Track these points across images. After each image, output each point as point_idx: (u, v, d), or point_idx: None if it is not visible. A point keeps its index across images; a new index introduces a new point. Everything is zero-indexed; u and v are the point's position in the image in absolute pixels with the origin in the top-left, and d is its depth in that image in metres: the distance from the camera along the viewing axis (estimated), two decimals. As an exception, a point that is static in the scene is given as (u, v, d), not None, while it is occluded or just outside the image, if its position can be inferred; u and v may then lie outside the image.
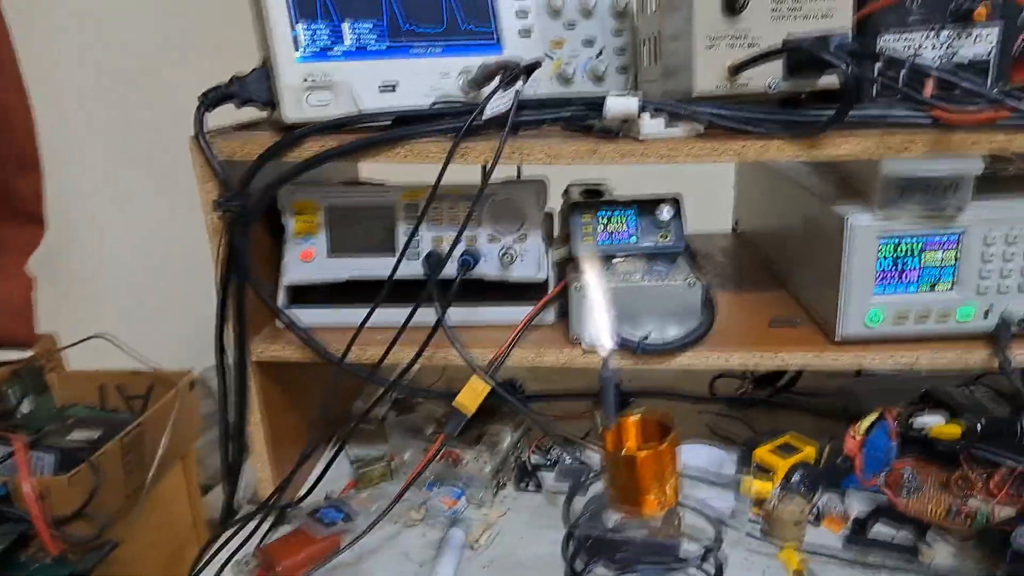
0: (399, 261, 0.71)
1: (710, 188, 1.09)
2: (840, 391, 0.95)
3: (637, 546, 0.46)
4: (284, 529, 0.76)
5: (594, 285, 0.64)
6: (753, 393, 0.99)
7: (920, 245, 0.67)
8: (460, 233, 0.68)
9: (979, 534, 0.71)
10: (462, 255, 0.74)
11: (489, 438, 0.83)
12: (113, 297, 1.60)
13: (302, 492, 0.80)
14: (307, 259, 0.77)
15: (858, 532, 0.74)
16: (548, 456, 0.90)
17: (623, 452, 0.44)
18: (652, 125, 0.65)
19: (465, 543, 0.74)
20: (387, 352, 0.70)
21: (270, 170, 0.69)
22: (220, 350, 0.74)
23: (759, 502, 0.47)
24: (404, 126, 0.68)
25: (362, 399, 1.00)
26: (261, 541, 0.74)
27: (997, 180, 0.72)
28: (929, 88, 0.62)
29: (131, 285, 1.65)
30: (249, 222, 0.70)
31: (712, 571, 0.48)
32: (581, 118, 0.68)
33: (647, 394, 0.98)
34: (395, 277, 0.73)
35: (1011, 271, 0.67)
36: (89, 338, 1.27)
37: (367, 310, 0.71)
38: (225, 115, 0.75)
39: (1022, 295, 0.68)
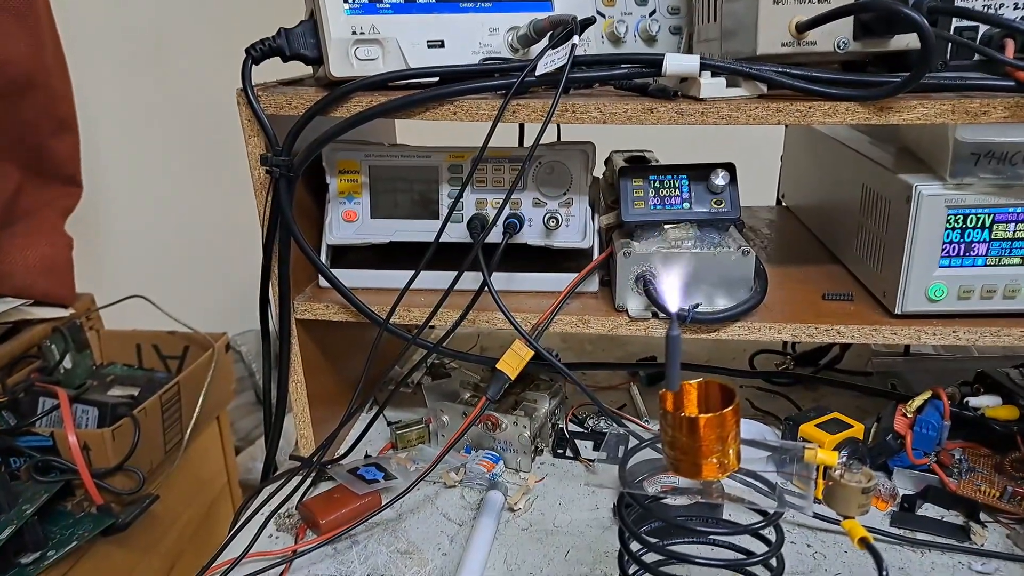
0: (445, 222, 0.70)
1: (753, 161, 1.06)
2: (887, 371, 0.93)
3: (693, 509, 0.45)
4: (324, 487, 0.76)
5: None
6: (795, 370, 0.97)
7: (990, 218, 0.64)
8: (509, 194, 0.67)
9: (1035, 518, 0.69)
10: (508, 218, 0.72)
11: (526, 405, 0.82)
12: (146, 260, 1.61)
13: (342, 451, 0.80)
14: (350, 220, 0.76)
15: (906, 511, 0.72)
16: (584, 426, 0.89)
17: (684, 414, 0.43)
18: (713, 85, 0.63)
19: (504, 505, 0.74)
20: (434, 312, 0.70)
21: (314, 128, 0.68)
22: (264, 307, 0.73)
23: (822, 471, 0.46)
24: (453, 83, 0.66)
25: (399, 364, 0.99)
26: (303, 497, 0.74)
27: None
28: (1011, 48, 0.59)
29: (165, 249, 1.66)
30: (295, 179, 0.69)
31: (773, 539, 0.46)
32: (637, 76, 0.66)
33: (685, 367, 0.96)
34: (438, 240, 0.72)
35: (1086, 247, 0.64)
36: (128, 298, 1.28)
37: (407, 273, 0.70)
38: (266, 73, 0.73)
39: (1096, 272, 0.65)
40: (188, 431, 1.16)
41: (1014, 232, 0.65)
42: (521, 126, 0.86)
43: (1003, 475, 0.74)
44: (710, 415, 0.44)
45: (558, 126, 0.84)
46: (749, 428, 0.78)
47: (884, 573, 0.42)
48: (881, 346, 0.95)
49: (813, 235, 0.92)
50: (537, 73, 0.64)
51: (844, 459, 0.45)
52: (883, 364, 0.92)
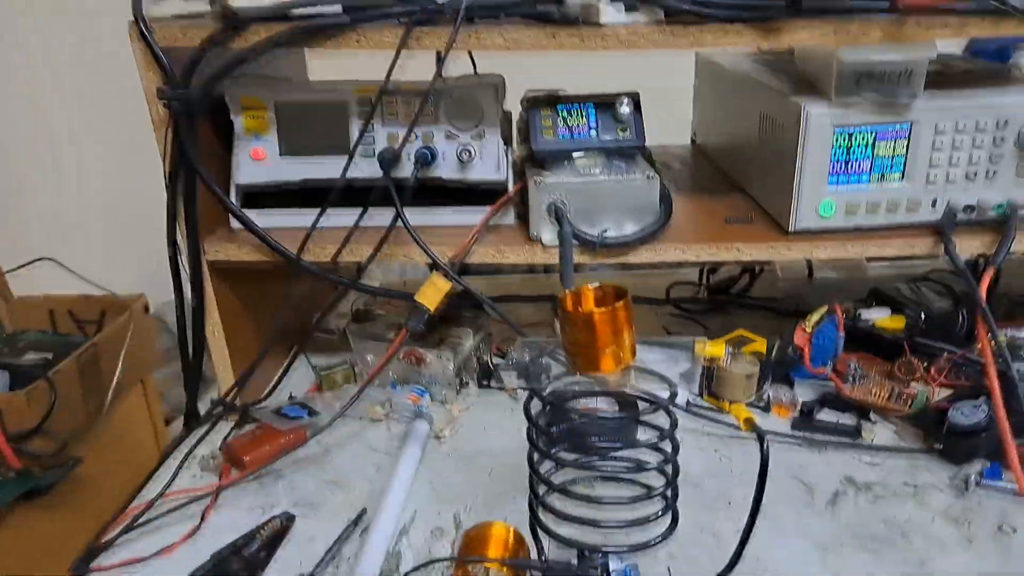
0: (351, 156, 0.70)
1: (668, 104, 1.09)
2: (792, 295, 0.99)
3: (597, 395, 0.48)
4: (250, 431, 0.76)
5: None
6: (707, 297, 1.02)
7: (872, 136, 0.69)
8: (413, 123, 0.67)
9: (918, 414, 0.75)
10: (419, 150, 0.73)
11: (451, 340, 0.84)
12: (57, 224, 1.54)
13: (265, 393, 0.80)
14: (258, 159, 0.75)
15: (805, 416, 0.78)
16: (508, 358, 0.92)
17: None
18: (613, 11, 0.65)
19: (430, 434, 0.76)
20: (344, 243, 0.70)
21: (215, 64, 0.66)
22: (173, 246, 0.72)
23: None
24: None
25: (324, 311, 0.99)
26: (226, 438, 0.74)
27: (947, 77, 0.74)
28: (885, -28, 0.62)
29: (82, 218, 1.59)
30: (195, 113, 0.68)
31: (667, 424, 0.50)
32: (540, 2, 0.67)
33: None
34: (351, 177, 0.72)
35: (959, 160, 0.69)
36: (35, 260, 1.23)
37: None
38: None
39: (969, 185, 0.70)
40: (110, 394, 1.13)
41: (894, 149, 0.69)
42: (438, 61, 0.86)
43: (892, 380, 0.80)
44: (604, 309, 0.47)
45: (473, 61, 0.84)
46: (662, 353, 0.82)
47: (765, 446, 0.45)
48: (786, 273, 1.01)
49: (721, 170, 0.96)
50: (440, 0, 0.64)
51: (731, 351, 0.48)
52: (786, 288, 0.97)
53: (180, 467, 0.69)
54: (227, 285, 0.78)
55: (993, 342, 0.65)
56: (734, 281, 1.03)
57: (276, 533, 0.63)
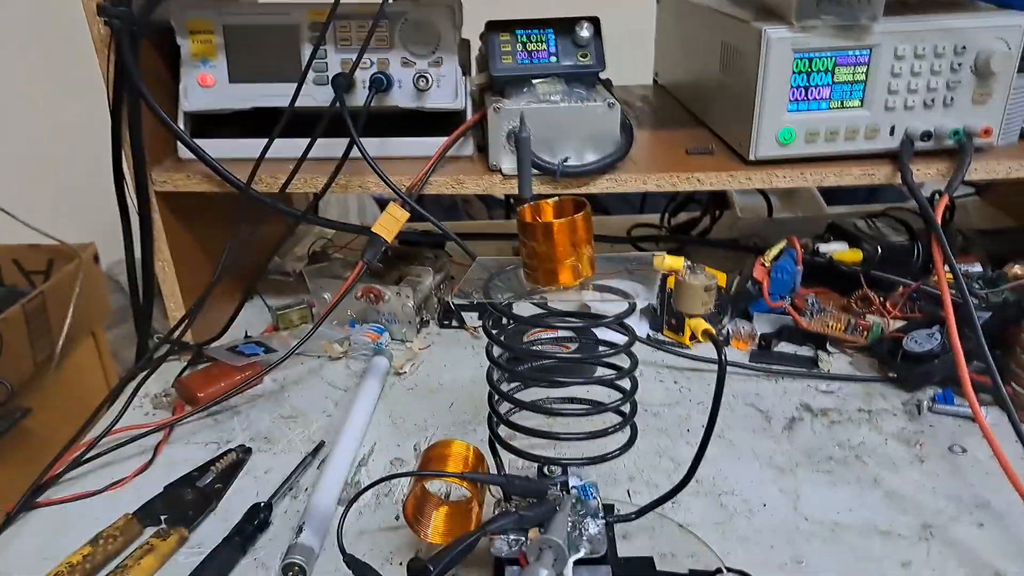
0: (302, 81, 0.67)
1: (630, 46, 1.08)
2: (751, 234, 0.99)
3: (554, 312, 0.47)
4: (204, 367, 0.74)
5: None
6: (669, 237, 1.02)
7: (832, 61, 0.68)
8: (365, 45, 0.65)
9: (873, 344, 0.77)
10: (373, 75, 0.70)
11: (410, 279, 0.82)
12: (8, 178, 1.47)
13: (218, 333, 0.78)
14: (207, 85, 0.72)
15: (763, 349, 0.79)
16: (469, 299, 0.90)
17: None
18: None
19: (389, 370, 0.75)
20: (294, 173, 0.68)
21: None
22: (118, 176, 0.69)
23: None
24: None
25: (279, 253, 0.97)
26: (179, 376, 0.72)
27: (907, 4, 0.74)
28: None
29: (26, 164, 1.52)
30: (139, 34, 0.64)
31: (625, 338, 0.49)
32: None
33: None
34: (305, 105, 0.69)
35: (917, 87, 0.69)
36: (-25, 207, 1.17)
37: (277, 142, 0.67)
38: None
39: (927, 112, 0.70)
40: (60, 343, 1.10)
41: (854, 75, 0.69)
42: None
43: (848, 312, 0.81)
44: (563, 220, 0.46)
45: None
46: (623, 285, 0.82)
47: (723, 357, 0.45)
48: (746, 212, 1.01)
49: (683, 106, 0.95)
50: (392, -88, 0.61)
51: (689, 263, 0.48)
52: (747, 226, 0.98)
53: (128, 403, 0.67)
54: (177, 220, 0.75)
55: (948, 267, 0.66)
56: (696, 222, 1.03)
57: (231, 465, 0.62)
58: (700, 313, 0.48)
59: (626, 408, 0.51)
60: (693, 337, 0.78)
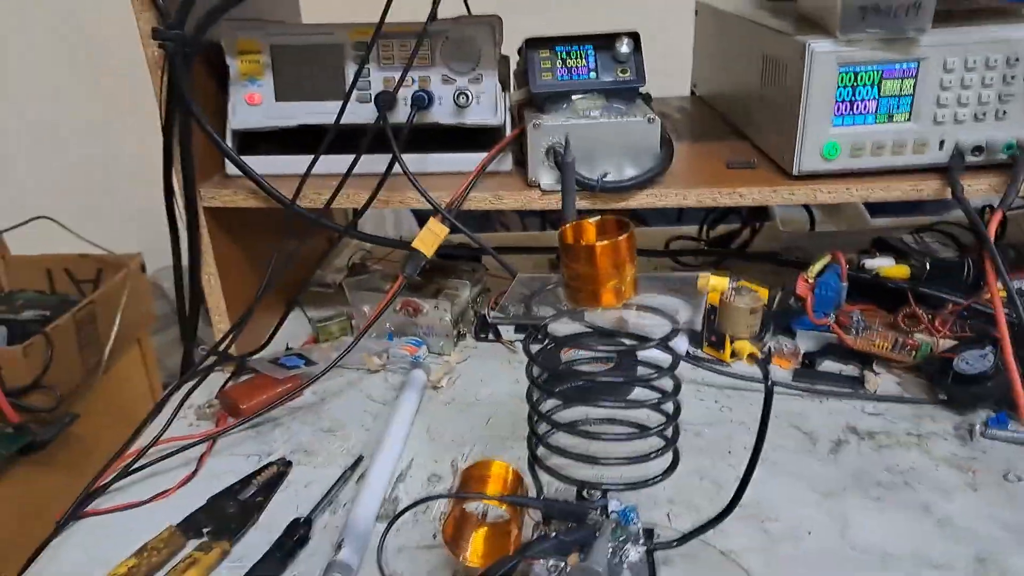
0: (347, 99, 0.68)
1: (668, 58, 1.07)
2: (793, 247, 0.97)
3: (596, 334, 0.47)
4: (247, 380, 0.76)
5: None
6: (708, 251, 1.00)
7: (879, 74, 0.67)
8: (409, 65, 0.66)
9: (923, 363, 0.74)
10: (415, 93, 0.71)
11: (448, 292, 0.83)
12: (51, 184, 1.52)
13: (261, 345, 0.80)
14: (253, 103, 0.74)
15: (807, 367, 0.77)
16: (506, 312, 0.90)
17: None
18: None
19: (427, 383, 0.75)
20: (338, 189, 0.69)
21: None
22: (168, 192, 0.71)
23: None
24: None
25: (321, 265, 0.98)
26: (222, 387, 0.73)
27: (956, 13, 0.72)
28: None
29: (77, 177, 1.58)
30: (191, 54, 0.66)
31: (670, 357, 0.49)
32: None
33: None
34: (348, 122, 0.70)
35: (968, 100, 0.67)
36: (32, 219, 1.22)
37: (322, 158, 0.69)
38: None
39: (977, 125, 0.68)
40: (107, 351, 1.13)
41: (901, 88, 0.67)
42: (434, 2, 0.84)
43: (895, 330, 0.79)
44: (606, 242, 0.45)
45: (467, 5, 0.82)
46: (664, 301, 0.81)
47: (769, 382, 0.44)
48: (788, 225, 0.99)
49: (722, 118, 0.94)
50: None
51: (734, 284, 0.47)
52: (787, 240, 0.96)
53: (174, 415, 0.69)
54: (224, 234, 0.77)
55: (1002, 284, 0.64)
56: (735, 235, 1.01)
57: (272, 478, 0.63)
58: (745, 335, 0.47)
59: (668, 432, 0.50)
60: (734, 354, 0.76)
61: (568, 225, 0.47)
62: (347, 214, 1.02)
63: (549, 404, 0.51)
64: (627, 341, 0.49)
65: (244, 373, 0.76)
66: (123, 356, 1.23)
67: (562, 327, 0.51)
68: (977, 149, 0.68)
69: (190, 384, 0.73)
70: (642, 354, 0.55)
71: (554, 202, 0.72)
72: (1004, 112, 0.68)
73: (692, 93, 1.07)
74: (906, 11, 0.64)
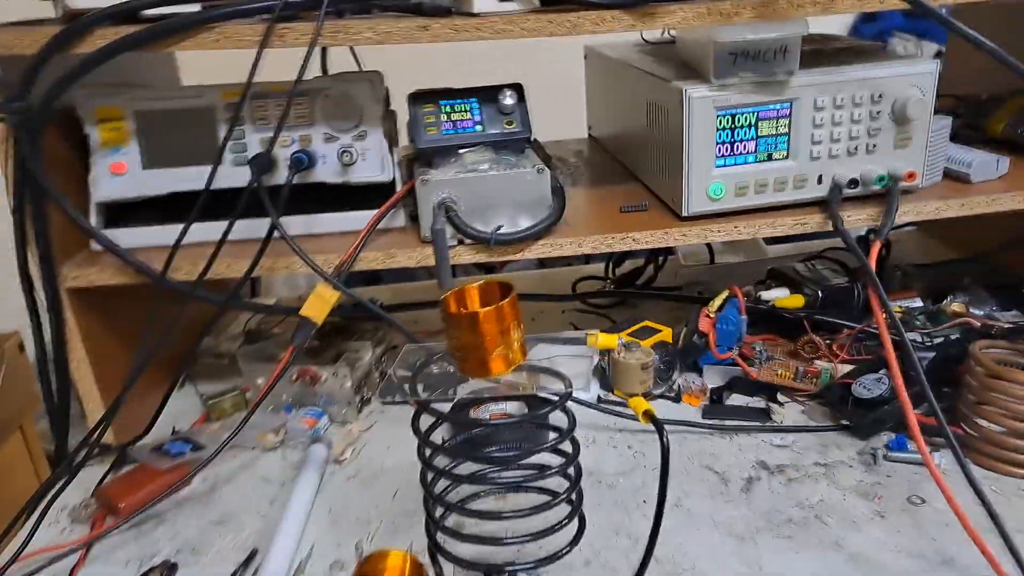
0: (217, 162, 0.65)
1: (567, 98, 1.08)
2: (695, 282, 0.98)
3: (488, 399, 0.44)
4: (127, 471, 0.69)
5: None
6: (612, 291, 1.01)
7: (755, 116, 0.69)
8: (281, 123, 0.63)
9: (824, 390, 0.76)
10: (294, 154, 0.68)
11: (349, 355, 0.79)
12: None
13: (147, 428, 0.73)
14: (119, 172, 0.69)
15: (715, 402, 0.77)
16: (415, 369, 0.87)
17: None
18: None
19: (328, 458, 0.71)
20: (211, 260, 0.64)
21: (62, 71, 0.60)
22: (25, 279, 0.65)
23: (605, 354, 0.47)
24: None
25: (214, 336, 0.93)
26: (99, 483, 0.67)
27: (823, 54, 0.75)
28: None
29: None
30: (38, 127, 0.61)
31: (567, 420, 0.47)
32: (409, -4, 0.64)
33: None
34: (225, 187, 0.67)
35: (840, 136, 0.70)
36: None
37: (198, 226, 0.64)
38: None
39: (851, 159, 0.71)
40: (-19, 442, 1.03)
41: (777, 128, 0.69)
42: (323, 57, 0.82)
43: (796, 359, 0.81)
44: (488, 308, 0.43)
45: (357, 60, 0.81)
46: (569, 350, 0.80)
47: (665, 440, 0.43)
48: (689, 260, 1.01)
49: (616, 161, 0.95)
50: (301, -8, 0.60)
51: (623, 341, 0.46)
52: (689, 275, 0.97)
53: (40, 520, 0.62)
54: (94, 313, 0.71)
55: (885, 312, 0.65)
56: (640, 272, 1.02)
57: (154, 585, 0.57)
58: (639, 391, 0.46)
59: (573, 497, 0.48)
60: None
61: (449, 294, 0.45)
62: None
63: (445, 483, 0.48)
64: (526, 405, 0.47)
65: (127, 463, 0.70)
66: (4, 444, 1.12)
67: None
68: (853, 182, 0.71)
69: (60, 485, 0.66)
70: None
71: (450, 257, 0.70)
72: (874, 145, 0.71)
73: (589, 135, 1.08)
74: (774, 55, 0.66)
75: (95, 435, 0.66)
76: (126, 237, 0.68)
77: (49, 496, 0.64)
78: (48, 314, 0.67)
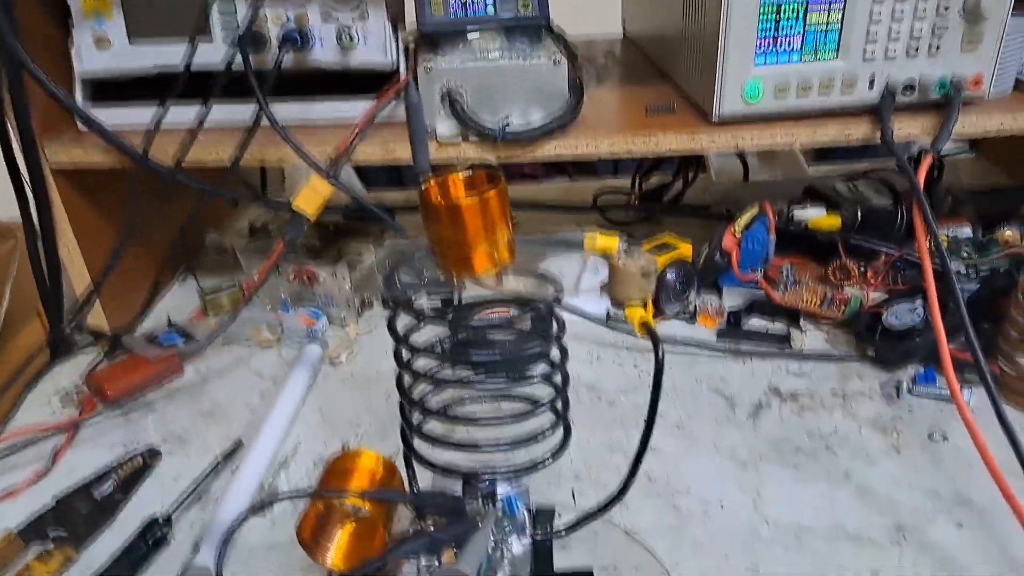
0: (193, 38, 0.59)
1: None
2: (725, 199, 0.92)
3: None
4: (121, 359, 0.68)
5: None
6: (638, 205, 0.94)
7: (804, 5, 0.60)
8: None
9: (851, 318, 0.70)
10: (286, 32, 0.63)
11: (350, 257, 0.76)
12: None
13: (141, 318, 0.72)
14: (103, 46, 0.64)
15: (732, 325, 0.72)
16: (420, 277, 0.84)
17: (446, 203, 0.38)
18: None
19: (322, 358, 0.69)
20: (191, 142, 0.60)
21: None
22: (8, 154, 0.62)
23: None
24: None
25: (220, 232, 0.90)
26: (92, 369, 0.66)
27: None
28: None
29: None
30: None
31: (555, 327, 0.43)
32: None
33: (530, 207, 0.93)
34: (217, 68, 0.62)
35: (899, 33, 0.61)
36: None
37: (186, 108, 0.60)
38: None
39: (909, 61, 0.62)
40: (-2, 323, 1.03)
41: (827, 20, 0.61)
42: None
43: (825, 284, 0.75)
44: (472, 200, 0.39)
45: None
46: (580, 261, 0.75)
47: (660, 354, 0.39)
48: (720, 176, 0.94)
49: (649, 61, 0.87)
50: None
51: (624, 246, 0.42)
52: (721, 191, 0.90)
53: (19, 401, 0.61)
54: (83, 197, 0.68)
55: (929, 236, 0.59)
56: (667, 188, 0.95)
57: (135, 471, 0.56)
58: (637, 300, 0.42)
59: (559, 405, 0.45)
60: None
61: (432, 182, 0.40)
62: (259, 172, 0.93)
63: (424, 388, 0.45)
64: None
65: (118, 350, 0.69)
66: (22, 331, 1.13)
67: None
68: (908, 88, 0.63)
69: (46, 365, 0.65)
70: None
71: (453, 155, 0.65)
72: (937, 47, 0.62)
73: (623, 33, 0.99)
74: (831, -69, 0.57)
75: (81, 311, 0.64)
76: (118, 115, 0.64)
77: (33, 379, 0.63)
78: (32, 195, 0.64)
